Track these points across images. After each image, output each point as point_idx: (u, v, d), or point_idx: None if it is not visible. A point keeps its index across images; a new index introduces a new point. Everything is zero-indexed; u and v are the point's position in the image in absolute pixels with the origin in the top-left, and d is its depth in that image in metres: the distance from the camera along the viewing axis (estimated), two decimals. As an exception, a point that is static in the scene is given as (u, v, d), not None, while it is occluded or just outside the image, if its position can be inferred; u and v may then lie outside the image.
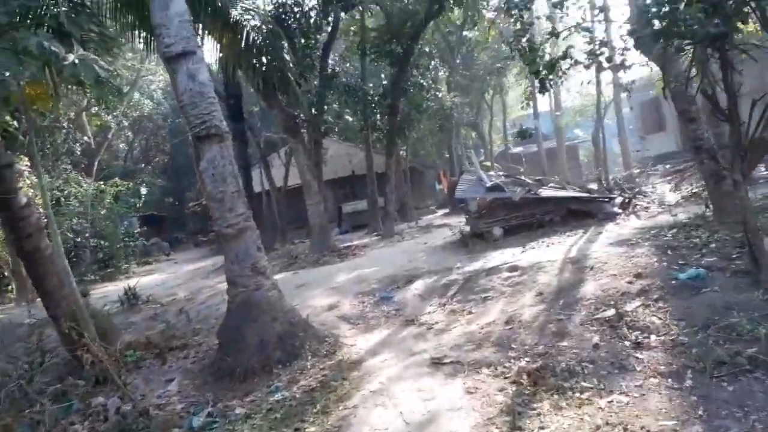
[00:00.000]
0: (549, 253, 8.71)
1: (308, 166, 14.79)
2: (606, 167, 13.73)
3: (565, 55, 7.83)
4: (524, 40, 8.14)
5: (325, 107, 18.35)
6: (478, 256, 10.09)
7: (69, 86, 7.32)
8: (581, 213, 11.50)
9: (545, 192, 11.68)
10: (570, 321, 6.07)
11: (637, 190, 12.41)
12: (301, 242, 19.87)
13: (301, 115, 15.57)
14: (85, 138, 28.42)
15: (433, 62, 20.75)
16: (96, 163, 31.49)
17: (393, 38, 15.78)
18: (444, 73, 25.25)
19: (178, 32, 6.44)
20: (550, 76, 7.94)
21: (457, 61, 23.53)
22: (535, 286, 7.42)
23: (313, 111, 17.41)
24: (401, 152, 24.27)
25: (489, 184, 11.59)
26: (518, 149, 30.11)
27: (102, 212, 21.63)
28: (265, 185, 23.21)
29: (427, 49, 19.94)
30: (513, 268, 8.19)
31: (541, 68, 7.78)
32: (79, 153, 27.53)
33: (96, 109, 29.04)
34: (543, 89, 8.39)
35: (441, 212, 26.17)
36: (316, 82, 16.60)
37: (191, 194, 36.82)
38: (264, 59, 12.22)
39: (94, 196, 21.87)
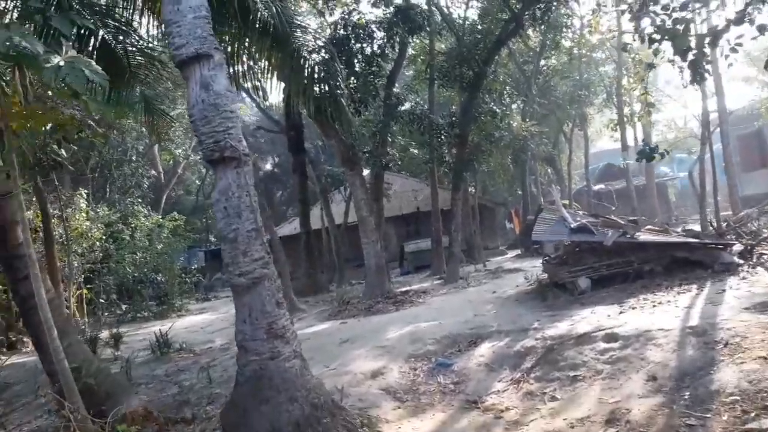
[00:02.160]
0: (658, 317, 6.72)
1: (365, 201, 13.41)
2: (713, 206, 11.43)
3: (742, 17, 5.86)
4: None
5: (389, 138, 17.07)
6: (560, 315, 8.18)
7: (61, 98, 6.20)
8: (690, 263, 9.36)
9: (643, 236, 9.63)
10: (706, 429, 4.18)
11: (762, 235, 10.10)
12: (359, 283, 18.41)
13: (362, 146, 14.32)
14: (153, 172, 28.74)
15: (506, 90, 19.10)
16: (164, 197, 31.83)
17: (464, 61, 14.36)
18: (518, 105, 23.52)
19: (192, 30, 5.20)
20: (707, 55, 5.99)
21: (533, 92, 21.78)
22: (645, 365, 5.51)
23: (375, 143, 16.20)
24: (470, 188, 22.56)
25: (574, 224, 9.70)
26: (599, 186, 27.56)
27: (159, 246, 21.13)
28: (326, 222, 22.08)
29: (501, 78, 18.41)
30: (611, 337, 6.28)
31: (692, 44, 5.85)
32: (146, 186, 27.74)
33: (164, 142, 29.46)
34: (696, 78, 6.45)
35: (512, 254, 24.02)
36: (380, 111, 15.41)
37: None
38: (316, 85, 11.05)
39: (151, 231, 21.52)
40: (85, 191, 18.86)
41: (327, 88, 10.86)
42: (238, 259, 5.13)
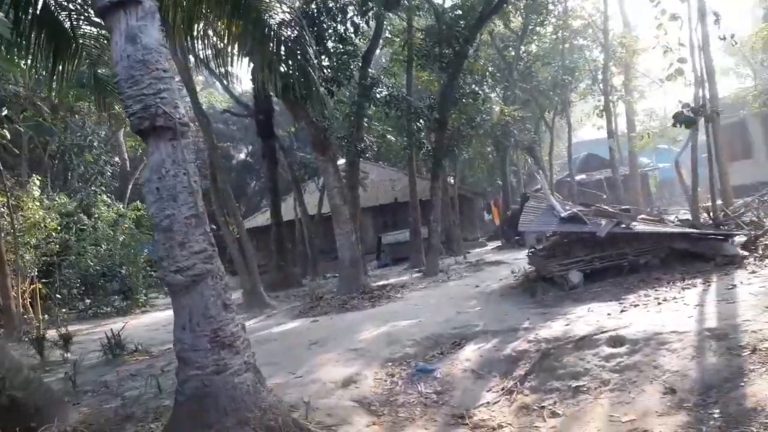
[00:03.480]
0: (667, 316, 5.94)
1: (339, 189, 12.45)
2: (696, 197, 10.80)
3: None
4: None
5: (365, 123, 16.12)
6: (552, 312, 7.39)
7: None
8: (689, 255, 8.67)
9: (639, 226, 8.89)
10: (750, 459, 3.39)
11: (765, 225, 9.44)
12: (334, 276, 17.49)
13: (336, 132, 13.36)
14: (116, 159, 27.29)
15: (488, 72, 18.21)
16: (130, 186, 30.29)
17: (444, 40, 13.42)
18: (498, 92, 22.70)
19: (114, -29, 4.23)
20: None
21: (515, 77, 20.97)
22: (660, 375, 4.72)
23: (350, 127, 15.25)
24: (449, 177, 21.72)
25: (564, 213, 8.91)
26: (581, 176, 26.98)
27: (120, 238, 19.84)
28: (299, 212, 21.06)
29: (482, 62, 17.52)
30: (617, 341, 5.48)
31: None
32: (110, 174, 26.27)
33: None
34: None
35: (492, 245, 23.34)
36: (354, 93, 14.42)
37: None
38: (284, 61, 10.04)
39: (115, 221, 20.23)
40: (40, 178, 17.53)
41: (295, 64, 9.85)
42: (173, 252, 4.18)
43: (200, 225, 4.29)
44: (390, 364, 6.68)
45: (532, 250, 10.63)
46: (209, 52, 9.13)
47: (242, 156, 40.58)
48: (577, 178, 26.67)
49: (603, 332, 5.69)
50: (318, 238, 20.69)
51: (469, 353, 6.54)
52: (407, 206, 19.41)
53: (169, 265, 4.20)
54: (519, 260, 14.62)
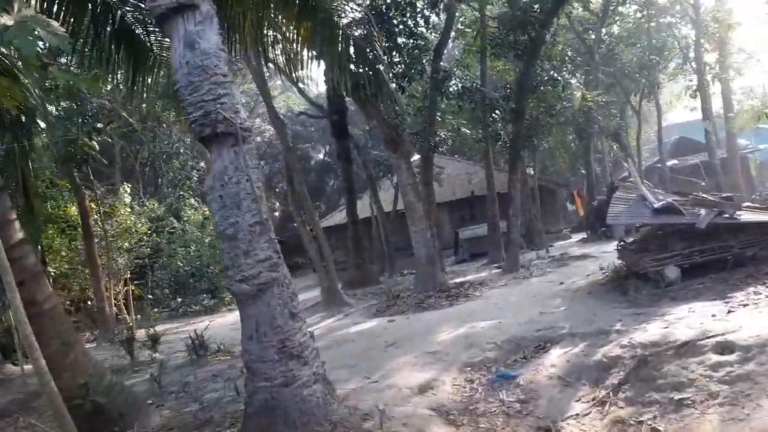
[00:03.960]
0: (785, 318, 5.23)
1: (412, 186, 12.19)
2: None
3: None
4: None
5: (438, 116, 15.74)
6: (647, 313, 6.76)
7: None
8: (805, 247, 7.69)
9: (745, 215, 7.99)
10: None
11: None
12: (411, 273, 17.26)
13: (408, 128, 13.10)
14: (202, 164, 28.44)
15: (568, 56, 17.20)
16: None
17: (518, 26, 12.75)
18: (579, 77, 21.51)
19: (172, -25, 4.18)
20: None
21: (597, 60, 19.75)
22: (783, 390, 4.10)
23: (422, 122, 14.94)
24: (528, 168, 20.86)
25: (658, 204, 8.16)
26: (672, 162, 25.10)
27: (207, 240, 20.66)
28: (375, 210, 20.99)
29: (560, 47, 16.60)
30: (725, 347, 4.86)
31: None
32: (196, 179, 27.49)
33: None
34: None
35: (576, 238, 22.22)
36: (426, 87, 14.07)
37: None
38: (353, 59, 9.88)
39: (200, 223, 21.12)
40: (130, 186, 18.58)
41: (365, 62, 9.66)
42: (239, 261, 4.09)
43: (265, 232, 4.17)
44: (469, 368, 6.36)
45: (622, 243, 9.89)
46: (281, 56, 9.12)
47: (320, 156, 41.24)
48: (669, 163, 24.86)
49: (709, 337, 5.07)
50: (394, 235, 20.54)
51: (555, 358, 6.09)
52: (485, 200, 18.84)
53: (235, 274, 4.11)
54: (607, 254, 13.74)
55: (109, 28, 7.83)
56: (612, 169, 25.50)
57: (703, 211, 7.93)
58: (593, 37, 20.86)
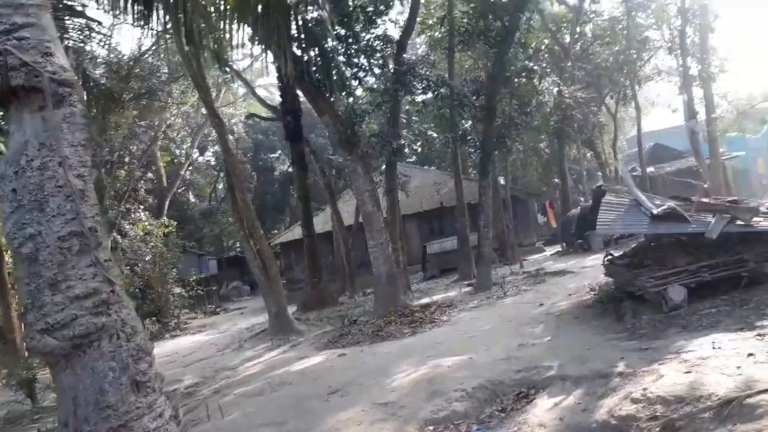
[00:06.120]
0: None
1: (370, 193, 10.65)
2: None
3: None
4: None
5: (402, 117, 14.30)
6: (655, 348, 5.32)
7: None
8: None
9: (763, 222, 6.67)
10: None
11: None
12: (373, 292, 15.64)
13: (362, 123, 11.63)
14: (150, 175, 26.45)
15: (543, 47, 15.93)
16: (167, 202, 29.49)
17: (490, 10, 11.36)
18: (554, 78, 20.48)
19: None
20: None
21: (572, 59, 18.64)
22: None
23: (384, 122, 13.50)
24: (499, 177, 19.50)
25: (657, 210, 6.78)
26: (650, 169, 24.09)
27: (146, 258, 18.64)
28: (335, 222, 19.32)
29: (533, 44, 15.36)
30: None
31: None
32: (144, 190, 25.37)
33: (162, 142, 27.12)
34: None
35: (551, 251, 20.98)
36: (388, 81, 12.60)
37: (278, 233, 33.83)
38: (296, 41, 8.38)
39: (140, 239, 19.11)
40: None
41: (310, 40, 8.17)
42: (41, 298, 2.46)
43: (86, 251, 2.55)
44: (431, 428, 4.82)
45: (610, 257, 8.51)
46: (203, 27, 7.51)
47: (285, 167, 39.58)
48: (650, 170, 23.88)
49: (762, 392, 3.62)
50: (357, 250, 18.89)
51: (543, 412, 4.60)
52: (454, 211, 17.42)
53: (35, 321, 2.48)
54: (586, 269, 12.44)
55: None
56: (586, 178, 24.39)
57: (711, 218, 6.59)
58: (567, 39, 19.83)
